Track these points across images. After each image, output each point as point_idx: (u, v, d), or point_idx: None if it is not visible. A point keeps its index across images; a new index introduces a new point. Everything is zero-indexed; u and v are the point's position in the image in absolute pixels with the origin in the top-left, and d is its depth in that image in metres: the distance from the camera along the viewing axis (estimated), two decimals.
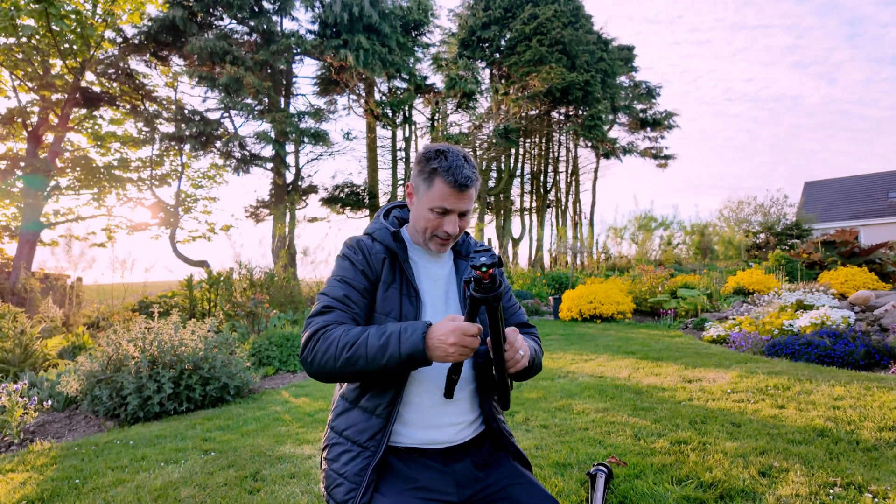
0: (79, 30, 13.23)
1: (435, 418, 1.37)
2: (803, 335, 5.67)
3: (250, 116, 16.42)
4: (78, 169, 15.50)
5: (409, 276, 1.43)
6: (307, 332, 1.33)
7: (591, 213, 25.80)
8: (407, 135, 20.07)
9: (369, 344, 1.23)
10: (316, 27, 16.90)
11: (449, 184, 1.34)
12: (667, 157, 25.96)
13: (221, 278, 9.85)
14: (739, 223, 24.16)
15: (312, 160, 18.51)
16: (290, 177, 17.79)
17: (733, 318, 7.62)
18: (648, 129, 25.86)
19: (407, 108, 19.44)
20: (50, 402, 4.35)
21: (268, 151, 16.96)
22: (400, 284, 1.44)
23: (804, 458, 2.72)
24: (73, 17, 13.13)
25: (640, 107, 25.71)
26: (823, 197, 28.35)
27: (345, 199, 19.38)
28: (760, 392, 4.09)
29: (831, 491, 2.36)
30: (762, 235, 21.61)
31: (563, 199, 25.94)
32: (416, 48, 18.91)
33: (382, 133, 20.47)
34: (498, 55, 22.10)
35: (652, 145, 26.19)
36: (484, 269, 1.09)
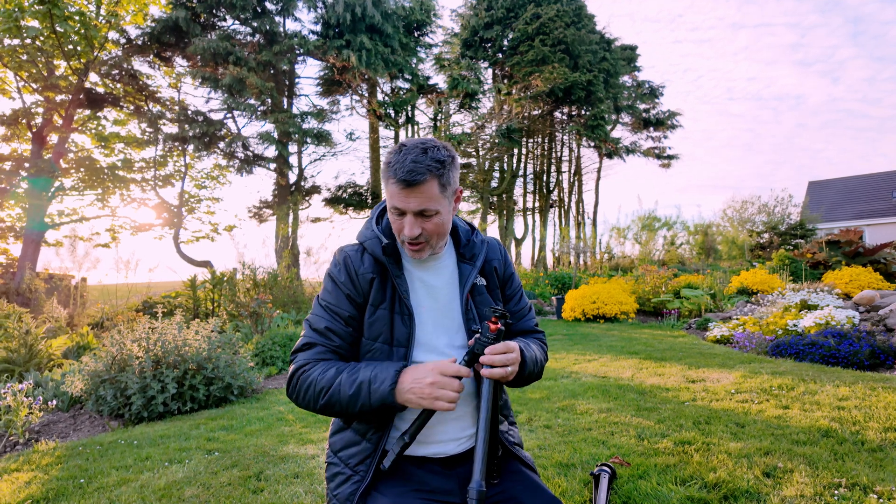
0: (83, 31, 13.26)
1: (436, 435, 1.34)
2: (808, 335, 5.65)
3: (253, 117, 16.45)
4: (82, 170, 15.55)
5: (402, 292, 1.32)
6: (290, 368, 1.31)
7: (595, 213, 25.79)
8: (410, 135, 20.09)
9: (342, 392, 1.20)
10: (319, 28, 16.92)
11: (393, 180, 1.22)
12: (670, 157, 25.91)
13: (225, 279, 9.87)
14: (743, 223, 24.09)
15: (315, 160, 18.55)
16: (293, 177, 17.82)
17: (737, 319, 7.60)
18: (651, 128, 25.82)
19: (409, 109, 19.46)
20: (55, 402, 4.36)
21: (271, 152, 16.99)
22: (391, 303, 1.34)
23: (809, 459, 2.71)
24: (76, 18, 13.17)
25: (643, 106, 25.67)
26: (827, 196, 28.25)
27: (348, 199, 19.40)
28: (764, 392, 4.08)
29: (836, 492, 2.35)
30: (766, 235, 21.54)
31: (566, 199, 25.92)
32: (418, 48, 18.92)
33: (385, 133, 20.51)
34: (500, 55, 22.09)
35: (655, 145, 26.15)
36: (498, 314, 1.16)
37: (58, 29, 12.67)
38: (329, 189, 19.49)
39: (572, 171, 26.07)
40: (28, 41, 13.04)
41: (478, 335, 1.20)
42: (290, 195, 17.29)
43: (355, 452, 1.33)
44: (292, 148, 17.28)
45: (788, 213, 22.96)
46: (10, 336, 5.94)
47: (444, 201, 1.26)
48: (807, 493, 2.35)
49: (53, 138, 14.32)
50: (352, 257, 1.36)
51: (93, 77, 14.91)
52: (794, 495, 2.34)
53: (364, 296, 1.34)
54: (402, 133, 20.24)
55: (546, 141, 25.10)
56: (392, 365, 1.21)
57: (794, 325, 6.21)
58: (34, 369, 5.60)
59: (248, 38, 16.37)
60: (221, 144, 16.28)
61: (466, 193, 23.75)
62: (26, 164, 13.78)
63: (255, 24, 15.77)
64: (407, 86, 19.11)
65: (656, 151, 25.93)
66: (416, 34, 19.01)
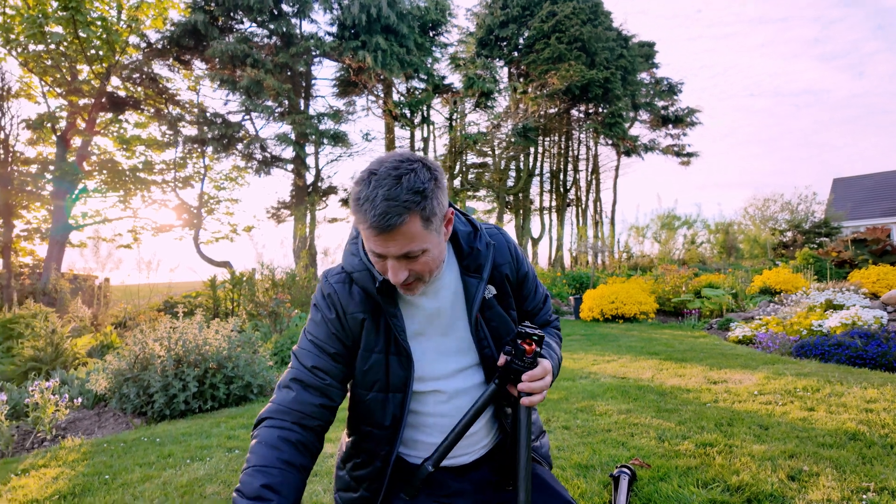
0: (104, 36, 13.54)
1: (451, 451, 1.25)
2: (833, 336, 5.53)
3: (271, 118, 16.63)
4: (104, 172, 15.88)
5: (398, 333, 1.17)
6: (271, 400, 1.18)
7: (612, 211, 25.53)
8: (425, 135, 20.13)
9: (240, 479, 1.06)
10: (334, 29, 17.03)
11: (364, 225, 1.01)
12: (689, 155, 25.56)
13: (244, 278, 9.99)
14: (765, 221, 23.66)
15: (332, 161, 18.67)
16: (310, 178, 17.97)
17: (760, 319, 7.47)
18: (670, 126, 25.50)
19: (425, 109, 19.49)
20: (80, 400, 4.45)
21: (288, 153, 17.15)
22: (386, 344, 1.19)
23: (835, 463, 2.65)
24: (98, 23, 13.45)
25: (661, 104, 25.35)
26: (853, 194, 27.60)
27: None
28: (789, 394, 4.00)
29: (864, 496, 2.29)
30: (789, 234, 21.14)
31: (584, 198, 25.72)
32: (433, 48, 18.93)
33: (401, 133, 20.55)
34: (516, 53, 21.99)
35: (674, 142, 25.82)
36: (535, 338, 1.08)
37: (81, 34, 12.95)
38: (346, 189, 19.60)
39: (590, 170, 25.86)
40: (52, 46, 13.35)
41: (510, 357, 1.11)
42: (307, 196, 17.44)
43: (355, 498, 1.31)
44: (309, 149, 17.43)
45: (812, 210, 22.48)
46: (37, 335, 6.08)
47: (431, 236, 1.05)
48: (833, 497, 2.30)
49: (77, 141, 14.63)
50: (339, 293, 1.19)
51: (114, 81, 15.21)
52: (821, 499, 2.29)
53: (354, 338, 1.20)
54: (417, 133, 20.28)
55: (563, 139, 24.94)
56: None
57: (820, 326, 6.08)
58: (60, 367, 5.73)
59: (265, 40, 16.55)
60: (240, 146, 16.48)
61: (482, 193, 23.69)
62: (51, 167, 14.10)
63: (271, 27, 15.94)
64: (422, 86, 19.14)
65: (675, 149, 25.60)
66: (431, 34, 19.02)
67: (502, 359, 1.14)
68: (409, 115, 19.22)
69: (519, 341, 1.09)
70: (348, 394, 1.29)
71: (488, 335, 1.23)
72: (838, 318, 6.04)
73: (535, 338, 1.08)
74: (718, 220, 24.22)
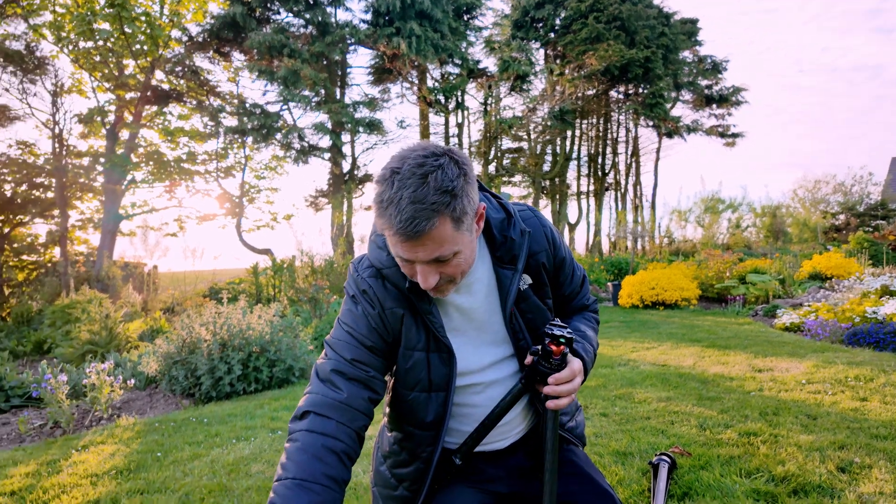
0: (148, 31, 13.95)
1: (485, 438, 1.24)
2: (889, 323, 5.27)
3: (308, 108, 16.84)
4: (151, 163, 16.45)
5: (436, 330, 1.13)
6: (310, 391, 1.11)
7: (653, 195, 24.85)
8: (460, 121, 20.01)
9: (275, 489, 1.00)
10: (369, 16, 17.04)
11: (389, 231, 0.95)
12: (734, 136, 24.55)
13: (285, 265, 10.23)
14: (816, 203, 22.61)
15: (368, 149, 18.80)
16: (346, 166, 18.16)
17: (809, 305, 7.18)
18: (714, 105, 24.52)
19: (459, 94, 19.34)
20: (133, 381, 4.68)
21: (325, 142, 17.36)
22: (427, 342, 1.15)
23: (889, 455, 2.54)
24: (143, 18, 13.86)
25: (704, 83, 24.39)
26: None
27: None
28: (839, 383, 3.85)
29: None
30: (842, 216, 20.17)
31: (623, 182, 25.12)
32: (468, 32, 18.72)
33: (435, 120, 20.49)
34: (552, 35, 21.51)
35: (718, 123, 24.82)
36: (562, 340, 1.02)
37: (126, 30, 13.38)
38: None
39: (629, 153, 25.20)
40: (100, 43, 13.85)
41: (537, 357, 1.06)
42: (343, 184, 17.66)
43: (395, 496, 1.29)
44: (345, 137, 17.60)
45: (868, 192, 21.34)
46: (92, 319, 6.40)
47: (462, 236, 0.99)
48: (886, 490, 2.21)
49: (125, 134, 15.20)
50: (375, 288, 1.14)
51: (158, 74, 15.68)
52: (873, 492, 2.20)
53: (394, 335, 1.15)
54: (451, 119, 20.17)
55: (601, 122, 24.35)
56: None
57: (874, 313, 5.79)
58: (114, 350, 6.03)
59: (301, 29, 16.71)
60: (278, 136, 16.78)
61: (517, 178, 23.43)
62: (101, 160, 14.70)
63: (307, 16, 16.08)
64: (457, 71, 18.99)
65: (720, 129, 24.63)
66: (465, 17, 18.81)
67: (529, 358, 1.09)
68: (443, 101, 19.12)
69: (547, 341, 1.03)
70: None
71: (523, 327, 1.20)
72: (895, 304, 5.74)
73: (563, 339, 1.03)
74: (765, 202, 23.33)
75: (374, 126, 16.85)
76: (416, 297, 1.11)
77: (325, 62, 16.81)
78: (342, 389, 1.07)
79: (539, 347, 1.06)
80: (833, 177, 22.70)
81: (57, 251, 14.02)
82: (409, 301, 1.13)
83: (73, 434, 3.79)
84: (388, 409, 1.30)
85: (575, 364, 1.06)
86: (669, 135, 23.77)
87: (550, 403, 1.05)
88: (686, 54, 23.92)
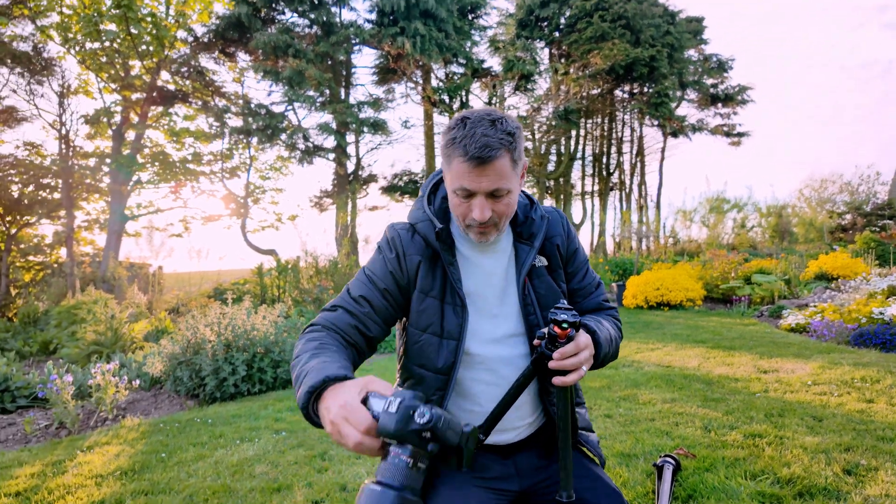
0: (154, 32, 14.03)
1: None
2: None
3: (313, 108, 16.87)
4: (157, 164, 16.53)
5: (454, 280, 1.23)
6: (312, 321, 1.23)
7: (658, 195, 24.75)
8: None
9: (296, 366, 1.05)
10: (373, 16, 17.06)
11: (462, 157, 1.09)
12: (740, 135, 24.42)
13: (289, 266, 10.26)
14: (822, 203, 22.45)
15: (372, 150, 18.82)
16: (350, 167, 18.20)
17: (815, 306, 7.14)
18: (720, 104, 24.39)
19: (464, 94, 19.33)
20: (138, 382, 4.70)
21: (330, 142, 17.39)
22: (442, 292, 1.25)
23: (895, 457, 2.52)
24: (149, 19, 13.94)
25: (710, 82, 24.27)
26: None
27: (403, 187, 19.61)
28: (845, 384, 3.82)
29: None
30: (848, 216, 20.03)
31: (628, 182, 25.03)
32: (472, 31, 18.70)
33: (439, 119, 20.48)
34: (557, 34, 21.46)
35: (724, 122, 24.69)
36: (565, 325, 1.01)
37: (132, 31, 13.45)
38: (385, 178, 19.76)
39: (634, 152, 25.11)
40: (107, 44, 13.93)
41: (544, 340, 1.05)
42: (348, 184, 17.69)
43: None
44: (350, 138, 17.63)
45: (875, 191, 21.16)
46: (98, 320, 6.44)
47: (514, 178, 1.15)
48: (893, 492, 2.19)
49: (131, 135, 15.27)
50: (402, 236, 1.28)
51: (164, 75, 15.76)
52: (879, 494, 2.19)
53: (409, 279, 1.26)
54: None
55: (606, 121, 24.28)
56: (331, 369, 0.95)
57: (881, 313, 5.75)
58: (119, 351, 6.06)
59: (306, 29, 16.75)
60: (283, 136, 16.82)
61: None
62: (107, 160, 14.78)
63: (312, 16, 16.11)
64: (461, 70, 18.98)
65: (725, 129, 24.50)
66: (469, 17, 18.79)
67: (536, 341, 1.10)
68: (447, 100, 19.12)
69: (552, 324, 1.03)
70: (402, 342, 1.35)
71: (535, 302, 1.27)
72: None
73: (567, 324, 1.02)
74: (771, 202, 23.08)
75: (378, 126, 16.86)
76: (442, 246, 1.24)
77: (329, 62, 16.83)
78: (338, 316, 1.21)
79: (545, 331, 1.06)
80: (840, 176, 22.53)
81: (63, 252, 14.12)
82: (433, 252, 1.26)
83: (79, 435, 3.81)
84: (401, 353, 1.36)
85: (581, 339, 1.06)
86: (674, 134, 23.67)
87: (557, 380, 1.05)
88: (691, 53, 23.81)
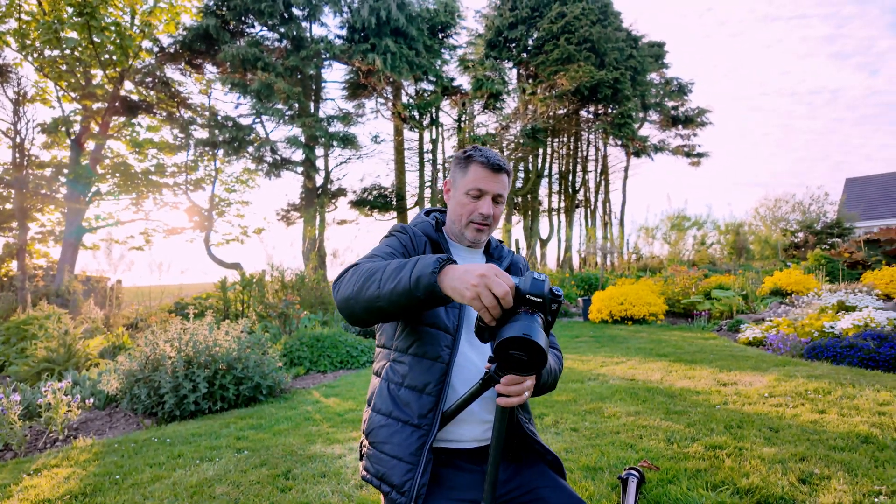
0: (118, 41, 13.71)
1: (465, 412, 1.33)
2: (845, 337, 5.46)
3: (281, 121, 16.74)
4: (117, 175, 16.05)
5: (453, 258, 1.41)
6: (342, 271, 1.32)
7: (622, 212, 25.38)
8: (434, 137, 20.14)
9: (385, 268, 1.16)
10: (344, 32, 17.12)
11: (483, 165, 1.41)
12: (699, 155, 25.36)
13: (254, 280, 10.05)
14: (776, 222, 23.40)
15: (341, 163, 18.74)
16: (319, 180, 18.06)
17: (770, 320, 7.40)
18: (680, 126, 25.32)
19: (434, 110, 19.50)
20: (92, 401, 4.50)
21: (298, 155, 17.25)
22: None
23: (847, 466, 2.62)
24: (112, 28, 13.62)
25: (671, 104, 25.19)
26: (866, 194, 27.24)
27: (373, 201, 19.56)
28: (800, 396, 3.96)
29: (876, 500, 2.27)
30: (801, 234, 20.90)
31: (593, 199, 25.60)
32: (442, 50, 18.96)
33: (410, 135, 20.60)
34: (525, 55, 21.96)
35: (684, 143, 25.62)
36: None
37: (95, 39, 13.12)
38: (355, 192, 19.69)
39: (599, 171, 25.74)
40: (67, 52, 13.53)
41: (493, 364, 1.14)
42: (316, 198, 17.53)
43: (416, 407, 1.33)
44: (319, 151, 17.52)
45: (824, 211, 22.20)
46: (50, 336, 6.16)
47: (506, 195, 1.48)
48: (845, 500, 2.27)
49: (91, 145, 14.81)
50: (412, 227, 1.51)
51: (127, 85, 15.39)
52: (832, 503, 2.27)
53: (419, 253, 1.44)
54: (426, 135, 20.30)
55: (572, 140, 24.84)
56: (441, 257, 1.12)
57: (831, 327, 6.01)
58: (72, 368, 5.80)
59: (276, 43, 16.66)
60: (250, 149, 16.60)
61: None
62: (65, 171, 14.28)
63: (282, 30, 16.05)
64: (431, 88, 19.17)
65: (685, 149, 25.41)
66: (440, 36, 19.05)
67: (487, 365, 1.18)
68: (417, 117, 19.25)
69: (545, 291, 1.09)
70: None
71: None
72: (850, 319, 5.96)
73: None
74: (729, 220, 23.95)
75: (348, 140, 16.82)
76: (440, 236, 1.49)
77: (299, 76, 16.76)
78: (374, 259, 1.34)
79: (494, 355, 1.11)
80: (792, 196, 23.56)
81: (14, 265, 13.50)
82: (433, 243, 1.49)
83: (25, 457, 3.62)
84: (400, 333, 1.42)
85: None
86: (637, 154, 24.41)
87: (501, 400, 1.13)
88: (653, 76, 24.70)
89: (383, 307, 1.15)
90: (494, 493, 1.12)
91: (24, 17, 13.25)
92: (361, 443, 1.45)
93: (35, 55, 13.55)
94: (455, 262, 1.11)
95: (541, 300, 1.02)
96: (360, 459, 1.43)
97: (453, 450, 1.36)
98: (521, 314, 1.01)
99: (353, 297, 1.19)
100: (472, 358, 1.37)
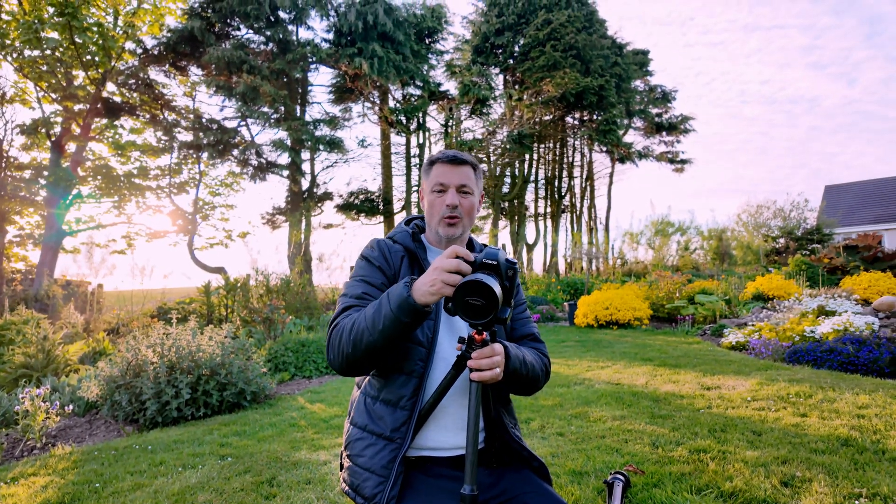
0: (101, 42, 13.53)
1: (448, 419, 1.36)
2: (825, 342, 5.56)
3: (267, 125, 16.62)
4: (99, 177, 15.82)
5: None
6: (327, 334, 1.37)
7: (607, 218, 25.61)
8: (421, 141, 20.16)
9: (366, 315, 1.25)
10: (331, 36, 17.08)
11: (442, 161, 1.48)
12: (683, 162, 25.70)
13: (238, 285, 9.94)
14: (758, 228, 23.79)
15: (328, 167, 18.67)
16: (305, 184, 17.96)
17: (753, 325, 7.50)
18: (664, 133, 25.64)
19: (421, 115, 19.52)
20: (71, 407, 4.42)
21: (284, 159, 17.15)
22: None
23: (828, 468, 2.66)
24: (95, 29, 13.44)
25: (655, 111, 25.51)
26: (844, 201, 27.82)
27: (359, 205, 19.49)
28: (782, 400, 4.02)
29: (857, 502, 2.30)
30: (782, 240, 21.25)
31: (578, 205, 25.80)
32: (429, 55, 19.00)
33: (397, 140, 20.58)
34: (512, 61, 22.11)
35: (668, 149, 25.95)
36: (482, 329, 1.20)
37: (77, 40, 12.94)
38: (341, 195, 19.61)
39: (584, 177, 25.95)
40: (48, 52, 13.32)
41: (463, 346, 1.23)
42: (302, 202, 17.43)
43: (389, 421, 1.36)
44: (305, 155, 17.43)
45: (804, 217, 22.63)
46: (28, 342, 6.03)
47: (476, 187, 1.51)
48: (826, 502, 2.31)
49: (71, 147, 14.58)
50: (384, 241, 1.53)
51: (110, 87, 15.19)
52: None
53: (395, 269, 1.47)
54: (413, 139, 20.31)
55: (558, 146, 25.03)
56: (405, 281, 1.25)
57: (812, 332, 6.11)
58: (51, 374, 5.68)
59: (262, 46, 16.57)
60: (235, 152, 16.46)
61: None
62: (45, 173, 14.03)
63: (268, 33, 15.96)
64: (418, 92, 19.20)
65: (669, 156, 25.73)
66: (427, 41, 19.10)
67: (458, 346, 1.26)
68: (404, 121, 19.25)
69: (471, 331, 1.22)
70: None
71: None
72: (830, 324, 6.07)
73: (481, 329, 1.21)
74: (712, 226, 24.33)
75: (334, 144, 16.76)
76: (417, 245, 1.50)
77: (285, 79, 16.68)
78: (350, 312, 1.37)
79: (465, 336, 1.24)
80: (773, 202, 24.00)
81: None
82: (411, 255, 1.50)
83: (1, 466, 3.53)
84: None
85: (496, 346, 1.25)
86: (622, 160, 24.65)
87: (474, 375, 1.19)
88: (638, 83, 25.01)
89: (381, 347, 1.24)
90: (475, 474, 1.14)
91: (3, 16, 13.03)
92: (342, 454, 1.47)
93: (14, 55, 13.33)
94: (416, 278, 1.23)
95: (495, 262, 1.20)
96: (341, 471, 1.45)
97: (434, 458, 1.37)
98: (478, 272, 1.18)
99: (352, 355, 1.27)
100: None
